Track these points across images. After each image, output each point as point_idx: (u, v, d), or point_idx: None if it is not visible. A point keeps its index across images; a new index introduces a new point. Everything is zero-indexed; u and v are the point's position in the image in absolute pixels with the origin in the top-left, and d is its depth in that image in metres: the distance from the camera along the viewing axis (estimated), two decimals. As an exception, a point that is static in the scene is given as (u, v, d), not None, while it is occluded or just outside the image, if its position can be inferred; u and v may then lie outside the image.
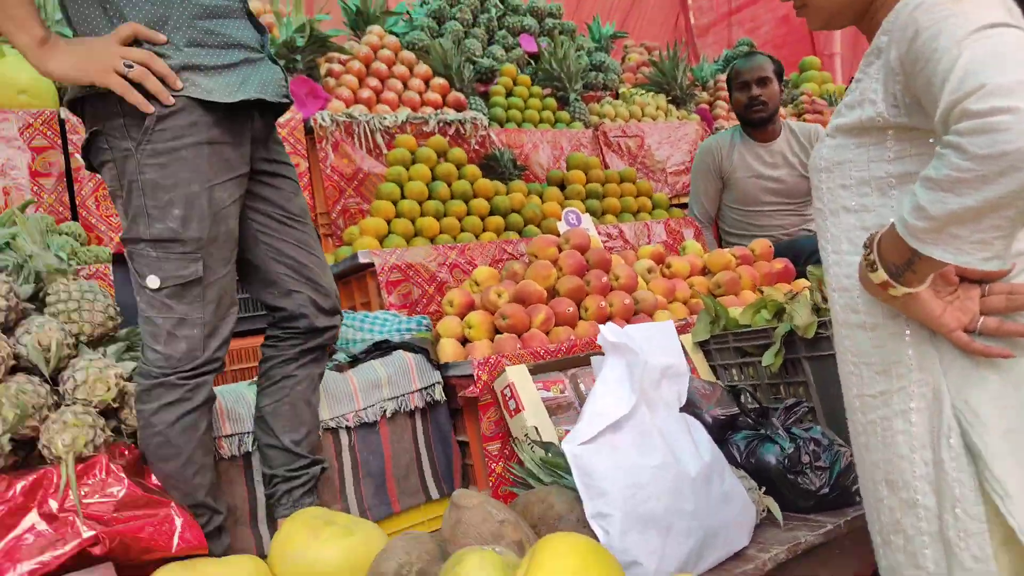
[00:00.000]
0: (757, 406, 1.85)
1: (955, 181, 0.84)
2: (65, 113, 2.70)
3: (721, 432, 1.79)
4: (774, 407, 1.81)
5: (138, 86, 1.37)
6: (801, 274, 2.83)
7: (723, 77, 5.05)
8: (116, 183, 1.45)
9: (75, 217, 2.63)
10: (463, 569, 1.01)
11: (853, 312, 1.11)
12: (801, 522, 1.60)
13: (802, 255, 3.00)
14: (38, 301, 1.59)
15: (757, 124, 3.40)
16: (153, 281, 1.42)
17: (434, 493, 1.95)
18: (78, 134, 2.69)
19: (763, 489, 1.63)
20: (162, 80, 1.39)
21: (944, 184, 0.85)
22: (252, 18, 1.58)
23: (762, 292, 2.54)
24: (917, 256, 0.91)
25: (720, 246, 3.55)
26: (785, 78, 3.88)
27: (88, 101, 1.45)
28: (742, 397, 1.85)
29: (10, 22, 1.35)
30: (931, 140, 0.99)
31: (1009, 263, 0.98)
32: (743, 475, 1.63)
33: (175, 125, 1.41)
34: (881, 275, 0.97)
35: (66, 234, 2.29)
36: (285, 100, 1.59)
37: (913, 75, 0.94)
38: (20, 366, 1.41)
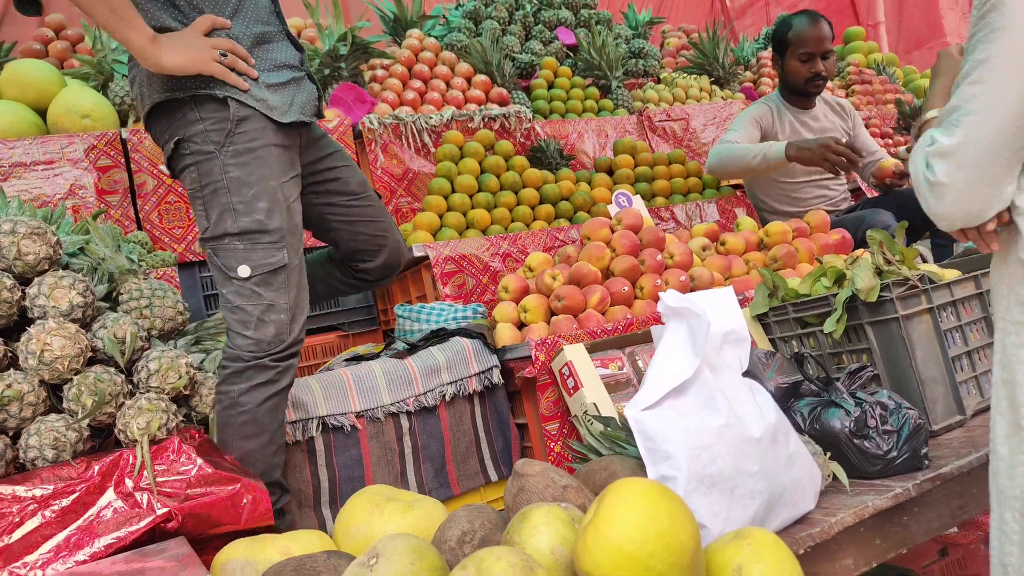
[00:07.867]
0: (822, 373, 1.81)
1: None
2: (127, 133, 2.83)
3: (783, 400, 1.75)
4: (836, 376, 1.76)
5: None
6: (859, 245, 2.74)
7: (766, 55, 4.95)
8: (197, 185, 1.58)
9: (140, 229, 2.75)
10: (529, 523, 1.01)
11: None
12: (868, 487, 1.55)
13: (859, 229, 2.87)
14: (112, 300, 1.66)
15: (809, 96, 3.22)
16: (244, 270, 1.53)
17: (493, 475, 1.97)
18: (139, 152, 2.81)
19: (828, 455, 1.59)
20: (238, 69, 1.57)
21: None
22: (291, 38, 1.73)
23: (820, 262, 2.49)
24: None
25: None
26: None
27: (165, 114, 1.58)
28: (805, 364, 1.81)
29: (122, 23, 1.43)
30: None
31: None
32: (807, 441, 1.59)
33: (251, 128, 1.56)
34: None
35: (134, 242, 2.39)
36: (318, 117, 1.77)
37: None
38: (97, 358, 1.48)
